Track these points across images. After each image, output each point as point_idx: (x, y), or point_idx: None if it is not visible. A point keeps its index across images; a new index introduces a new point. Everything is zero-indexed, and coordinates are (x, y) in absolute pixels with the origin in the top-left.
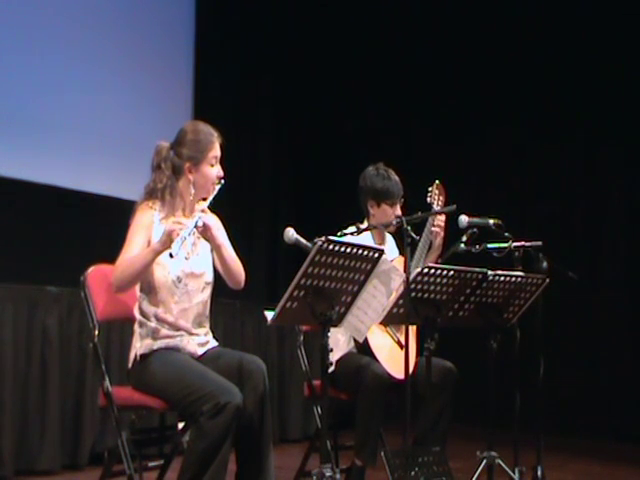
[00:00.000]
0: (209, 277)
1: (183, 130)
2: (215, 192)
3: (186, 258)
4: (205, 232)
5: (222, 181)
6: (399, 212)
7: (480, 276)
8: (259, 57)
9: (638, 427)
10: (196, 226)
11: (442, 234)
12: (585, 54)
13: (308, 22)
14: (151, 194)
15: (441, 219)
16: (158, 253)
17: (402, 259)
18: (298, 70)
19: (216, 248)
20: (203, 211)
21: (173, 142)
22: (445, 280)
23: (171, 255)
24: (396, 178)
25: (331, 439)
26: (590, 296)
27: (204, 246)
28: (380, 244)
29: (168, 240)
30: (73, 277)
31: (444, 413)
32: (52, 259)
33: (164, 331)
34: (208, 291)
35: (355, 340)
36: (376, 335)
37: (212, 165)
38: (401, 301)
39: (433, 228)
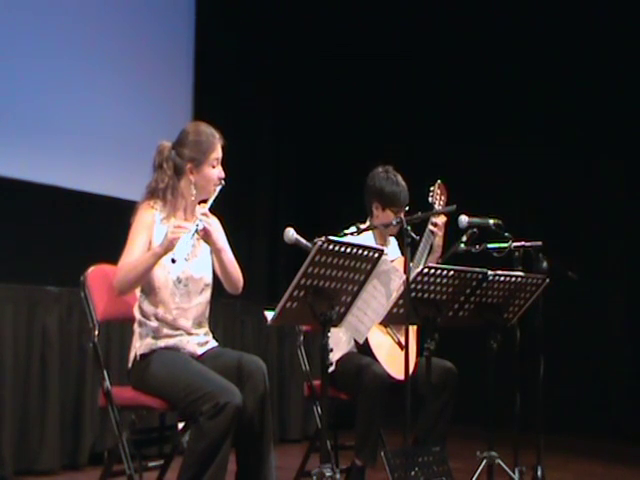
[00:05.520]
0: (208, 279)
1: (185, 131)
2: (216, 193)
3: (186, 259)
4: (206, 236)
5: (223, 182)
6: None
7: (480, 276)
8: (259, 57)
9: (638, 427)
10: (197, 231)
11: (441, 234)
12: (585, 54)
13: (309, 22)
14: (152, 193)
15: (441, 219)
16: (160, 257)
17: (403, 259)
18: (299, 70)
19: (216, 252)
20: (204, 214)
21: (175, 142)
22: (445, 280)
23: (173, 260)
24: (404, 185)
25: (331, 439)
26: (590, 296)
27: (204, 248)
28: (381, 245)
29: (170, 245)
30: (73, 277)
31: (444, 413)
32: (52, 259)
33: (164, 330)
34: (208, 293)
35: (355, 340)
36: (376, 335)
37: (213, 166)
38: (401, 301)
39: (431, 227)
